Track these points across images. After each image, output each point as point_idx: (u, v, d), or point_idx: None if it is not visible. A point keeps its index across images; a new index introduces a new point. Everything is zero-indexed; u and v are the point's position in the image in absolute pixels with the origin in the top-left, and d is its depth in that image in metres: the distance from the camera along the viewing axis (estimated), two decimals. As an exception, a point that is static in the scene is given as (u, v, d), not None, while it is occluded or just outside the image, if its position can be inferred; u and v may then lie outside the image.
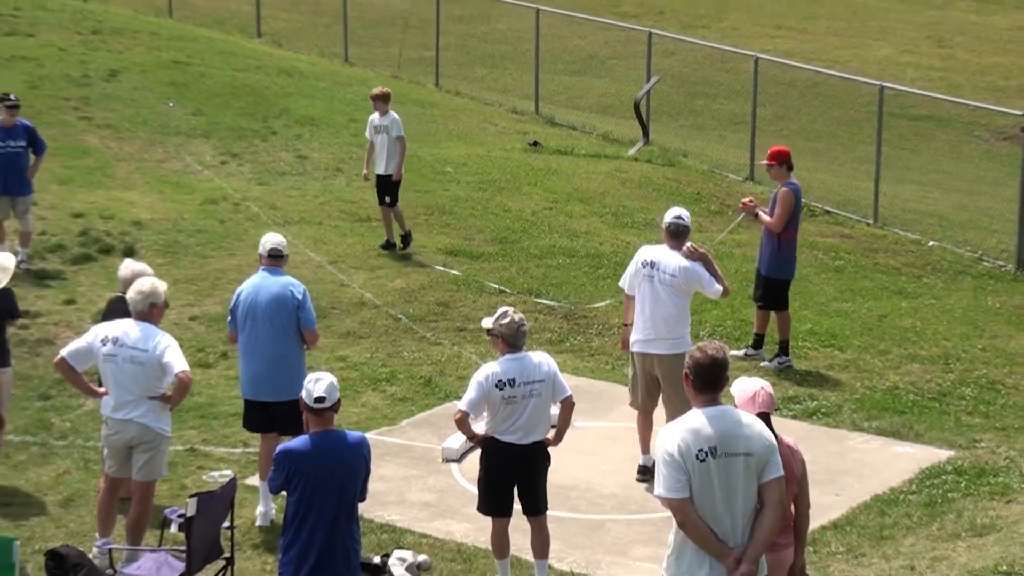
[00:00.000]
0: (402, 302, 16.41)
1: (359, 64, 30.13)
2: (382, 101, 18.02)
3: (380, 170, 18.01)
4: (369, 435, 12.45)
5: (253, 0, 33.17)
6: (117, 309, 10.97)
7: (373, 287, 16.76)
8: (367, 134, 18.26)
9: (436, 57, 29.12)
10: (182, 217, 18.80)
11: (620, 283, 12.46)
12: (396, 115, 18.12)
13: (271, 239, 11.39)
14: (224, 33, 31.96)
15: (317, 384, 8.55)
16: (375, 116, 18.07)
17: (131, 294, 10.40)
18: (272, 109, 24.36)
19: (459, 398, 13.40)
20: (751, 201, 14.98)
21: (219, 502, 9.91)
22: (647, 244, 12.55)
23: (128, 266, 11.22)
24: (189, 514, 9.48)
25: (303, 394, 8.59)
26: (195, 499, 9.56)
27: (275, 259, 11.30)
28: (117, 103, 23.75)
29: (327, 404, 8.56)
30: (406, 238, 18.09)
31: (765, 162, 14.99)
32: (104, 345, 10.20)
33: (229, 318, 11.35)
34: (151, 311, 10.37)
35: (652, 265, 12.03)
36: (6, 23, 28.71)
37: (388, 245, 18.06)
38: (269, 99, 25.00)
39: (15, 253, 16.88)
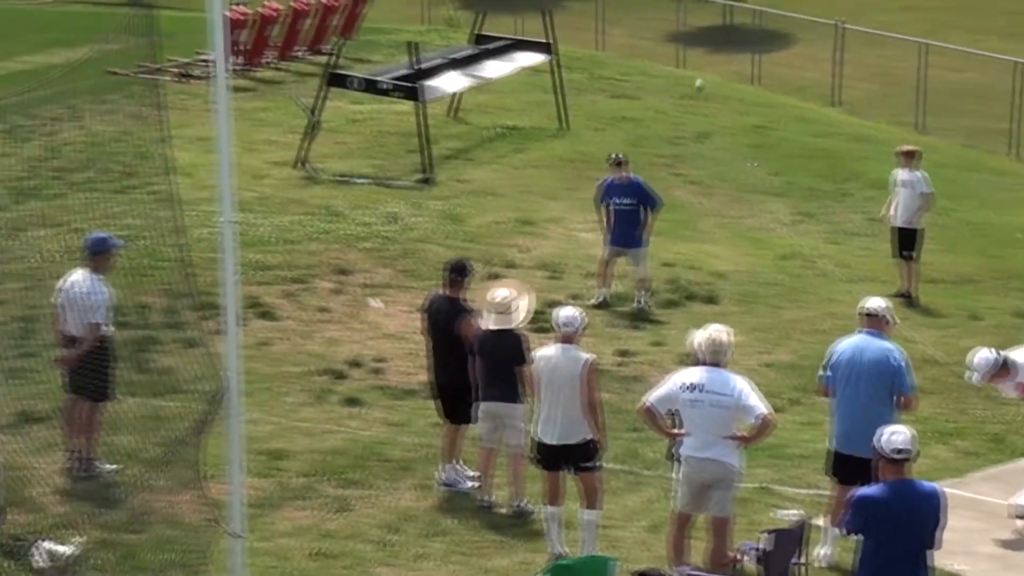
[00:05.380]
0: (974, 361, 15.74)
1: (932, 133, 29.34)
2: (907, 157, 17.86)
3: (897, 222, 17.71)
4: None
5: (832, 72, 33.04)
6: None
7: (941, 346, 16.19)
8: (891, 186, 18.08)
9: (1012, 128, 27.94)
10: (759, 270, 18.86)
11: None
12: (921, 173, 17.86)
13: (867, 302, 11.23)
14: (803, 101, 31.96)
15: (896, 436, 8.49)
16: (900, 171, 17.88)
17: (707, 345, 10.41)
18: (846, 172, 24.10)
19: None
20: None
21: (792, 539, 9.89)
22: None
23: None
24: (766, 548, 9.47)
25: (879, 444, 8.49)
26: (772, 535, 9.55)
27: (871, 319, 11.05)
28: (705, 162, 24.17)
29: (906, 455, 8.45)
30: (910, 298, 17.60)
31: None
32: (685, 392, 10.32)
33: (825, 373, 11.14)
34: (722, 362, 10.40)
35: None
36: (616, 87, 29.94)
37: (902, 295, 17.55)
38: (843, 163, 24.75)
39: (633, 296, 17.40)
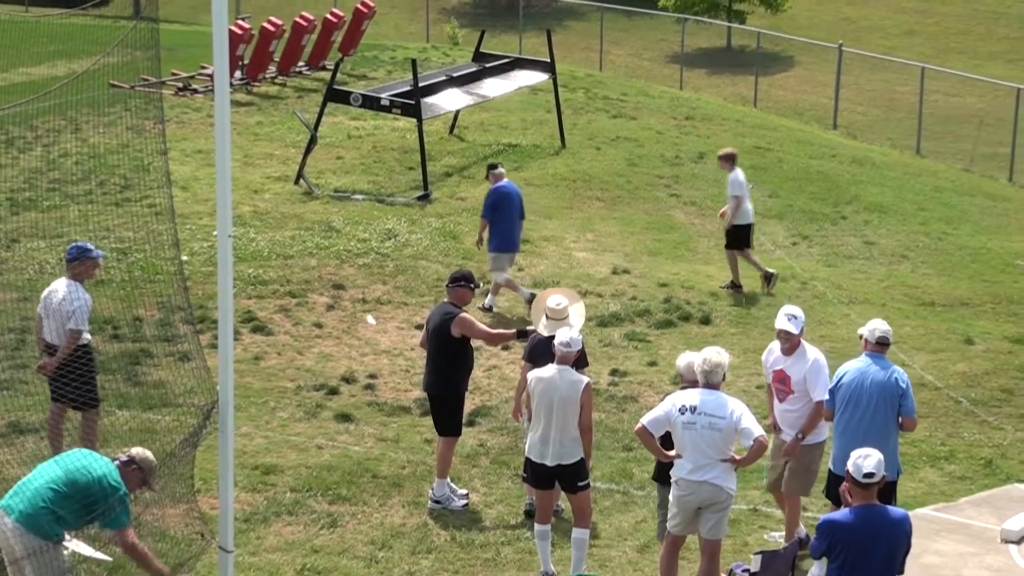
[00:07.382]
0: (963, 386, 15.77)
1: (930, 156, 29.42)
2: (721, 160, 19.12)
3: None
4: (925, 511, 12.14)
5: (832, 95, 33.13)
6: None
7: (934, 369, 16.20)
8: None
9: (1012, 153, 27.99)
10: (754, 292, 18.87)
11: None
12: (732, 176, 18.88)
13: (880, 326, 11.08)
14: (802, 123, 32.06)
15: (866, 460, 8.46)
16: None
17: (701, 367, 10.40)
18: (843, 195, 24.14)
19: (1021, 481, 12.93)
20: None
21: (782, 560, 9.88)
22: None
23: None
24: (754, 570, 9.48)
25: (849, 467, 8.49)
26: (759, 556, 9.55)
27: (882, 346, 11.03)
28: (703, 183, 24.20)
29: (875, 480, 8.45)
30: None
31: None
32: (682, 414, 10.28)
33: (826, 397, 11.15)
34: (717, 383, 10.40)
35: None
36: (614, 107, 30.09)
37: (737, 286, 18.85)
38: (841, 186, 24.79)
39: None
